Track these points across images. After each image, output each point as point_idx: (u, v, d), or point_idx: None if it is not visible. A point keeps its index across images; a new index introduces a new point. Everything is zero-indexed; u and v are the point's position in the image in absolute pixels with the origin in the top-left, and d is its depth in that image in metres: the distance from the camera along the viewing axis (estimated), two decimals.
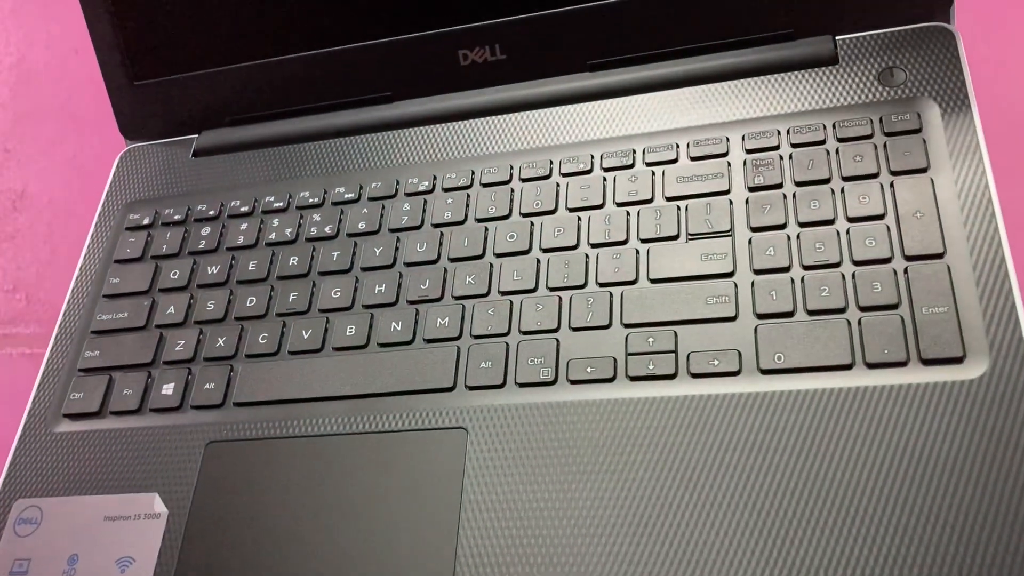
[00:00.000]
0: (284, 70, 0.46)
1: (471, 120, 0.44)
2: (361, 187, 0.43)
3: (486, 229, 0.40)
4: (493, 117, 0.43)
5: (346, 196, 0.43)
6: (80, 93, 0.79)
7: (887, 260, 0.34)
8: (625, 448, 0.32)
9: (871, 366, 0.32)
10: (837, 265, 0.34)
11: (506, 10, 0.43)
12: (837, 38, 0.40)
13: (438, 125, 0.44)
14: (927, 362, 0.31)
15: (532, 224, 0.39)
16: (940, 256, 0.33)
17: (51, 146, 0.79)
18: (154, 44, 0.47)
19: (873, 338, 0.32)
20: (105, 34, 0.47)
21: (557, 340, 0.36)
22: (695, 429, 0.32)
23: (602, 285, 0.37)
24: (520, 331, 0.36)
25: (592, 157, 0.40)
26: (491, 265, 0.38)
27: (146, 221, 0.46)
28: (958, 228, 0.34)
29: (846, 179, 0.36)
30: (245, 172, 0.46)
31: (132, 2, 0.46)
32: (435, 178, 0.42)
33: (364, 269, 0.40)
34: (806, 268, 0.34)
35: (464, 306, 0.38)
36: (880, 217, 0.35)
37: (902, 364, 0.31)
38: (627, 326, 0.35)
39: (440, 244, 0.40)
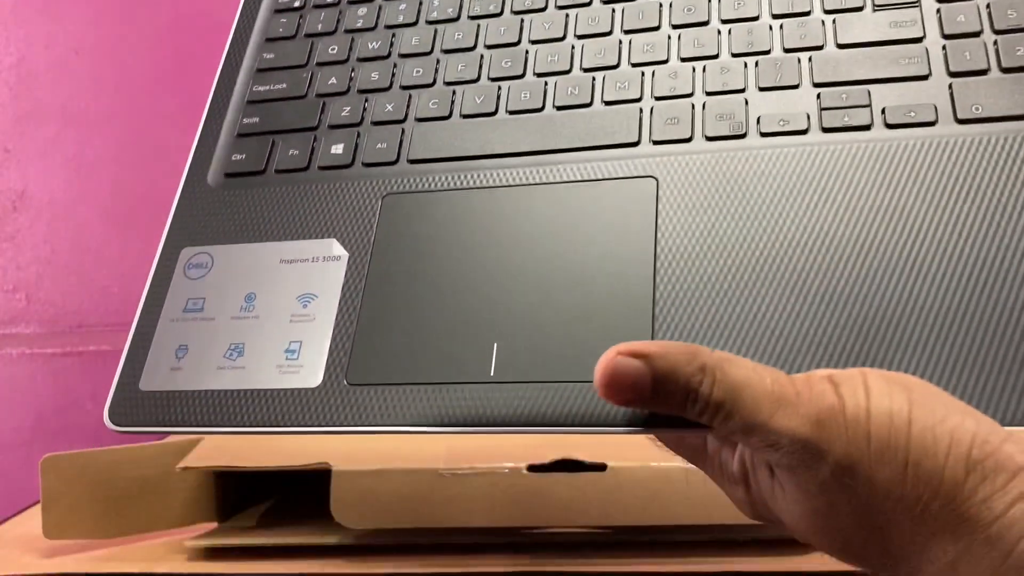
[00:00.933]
0: None
1: None
2: None
3: (660, 4, 0.40)
4: None
5: None
6: (80, 93, 0.79)
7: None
8: (822, 188, 0.33)
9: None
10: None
11: None
12: None
13: None
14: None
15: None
16: (979, 34, 0.34)
17: (51, 146, 0.79)
18: None
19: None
20: None
21: (746, 99, 0.36)
22: (894, 172, 0.33)
23: (788, 51, 0.37)
24: (705, 92, 0.37)
25: None
26: (668, 36, 0.39)
27: (297, 3, 0.45)
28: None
29: None
30: None
31: None
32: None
33: (533, 42, 0.40)
34: (997, 32, 0.35)
35: (643, 72, 0.38)
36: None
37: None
38: (817, 85, 0.36)
39: (612, 17, 0.40)
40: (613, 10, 0.40)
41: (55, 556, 0.50)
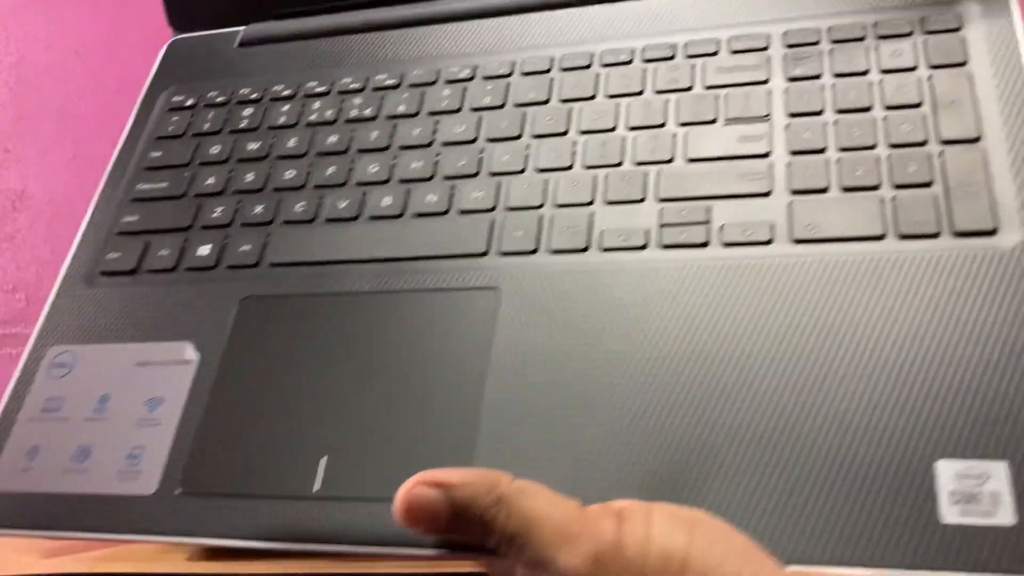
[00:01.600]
0: None
1: (512, 16, 0.44)
2: (402, 74, 0.44)
3: (524, 113, 0.40)
4: (534, 13, 0.44)
5: (387, 82, 0.44)
6: (80, 93, 0.79)
7: (922, 143, 0.34)
8: (656, 304, 0.33)
9: (903, 237, 0.32)
10: (872, 148, 0.35)
11: None
12: None
13: (480, 20, 0.45)
14: (959, 234, 0.32)
15: (571, 109, 0.40)
16: (976, 140, 0.34)
17: (51, 146, 0.79)
18: None
19: (906, 211, 0.33)
20: None
21: (592, 212, 0.36)
22: (724, 289, 0.33)
23: (638, 164, 0.37)
24: (555, 204, 0.37)
25: (633, 50, 0.41)
26: (528, 145, 0.39)
27: (189, 102, 0.46)
28: (995, 117, 0.34)
29: (884, 71, 0.37)
30: (288, 61, 0.47)
31: None
32: (475, 67, 0.43)
33: (402, 148, 0.41)
34: (842, 150, 0.35)
35: (500, 182, 0.38)
36: (917, 105, 0.35)
37: (934, 236, 0.32)
38: (662, 200, 0.36)
39: (478, 126, 0.41)
40: (480, 118, 0.41)
41: (55, 556, 0.49)
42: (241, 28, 0.49)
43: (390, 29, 0.46)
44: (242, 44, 0.49)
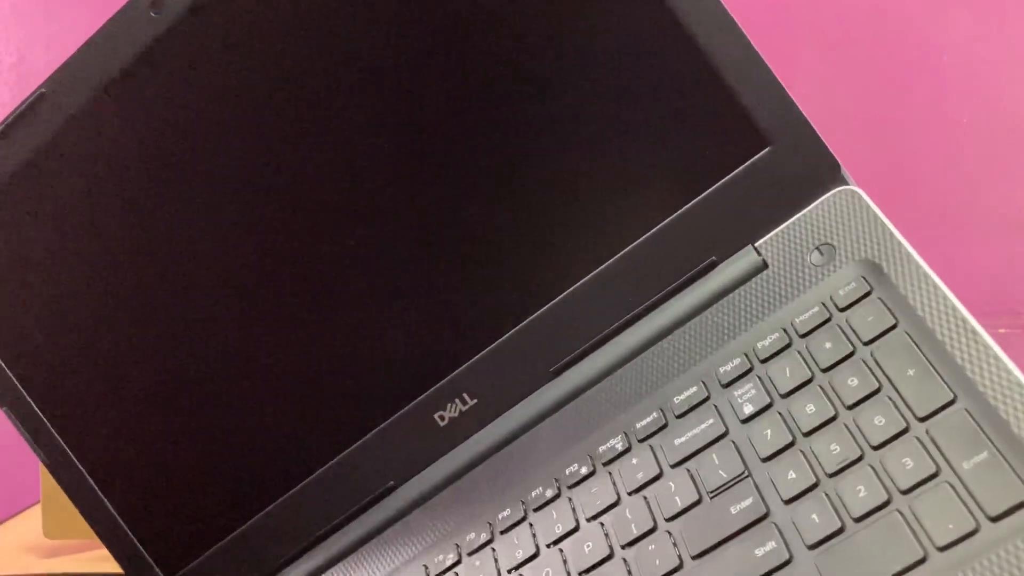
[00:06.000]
0: (288, 512, 0.46)
1: (469, 474, 0.43)
2: None
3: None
4: (487, 462, 0.43)
5: None
6: None
7: (905, 431, 0.31)
8: None
9: (943, 548, 0.28)
10: (860, 459, 0.32)
11: (459, 359, 0.44)
12: (756, 244, 0.40)
13: (440, 495, 0.44)
14: (997, 518, 0.28)
15: (562, 551, 0.37)
16: (953, 402, 0.31)
17: None
18: (164, 537, 0.48)
19: (932, 519, 0.29)
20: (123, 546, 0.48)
21: None
22: None
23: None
24: None
25: (589, 456, 0.39)
26: None
27: None
28: (954, 368, 0.32)
29: (825, 370, 0.35)
30: None
31: (133, 507, 0.48)
32: (459, 549, 0.41)
33: None
34: (832, 475, 0.32)
35: None
36: (877, 391, 0.33)
37: (974, 532, 0.28)
38: None
39: None
40: None
41: (55, 556, 0.50)
42: None
43: (364, 543, 0.45)
44: None
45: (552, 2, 0.40)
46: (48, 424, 0.48)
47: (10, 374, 0.48)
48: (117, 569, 0.45)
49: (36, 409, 0.48)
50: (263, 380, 0.46)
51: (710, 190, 0.40)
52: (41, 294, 0.46)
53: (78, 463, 0.48)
